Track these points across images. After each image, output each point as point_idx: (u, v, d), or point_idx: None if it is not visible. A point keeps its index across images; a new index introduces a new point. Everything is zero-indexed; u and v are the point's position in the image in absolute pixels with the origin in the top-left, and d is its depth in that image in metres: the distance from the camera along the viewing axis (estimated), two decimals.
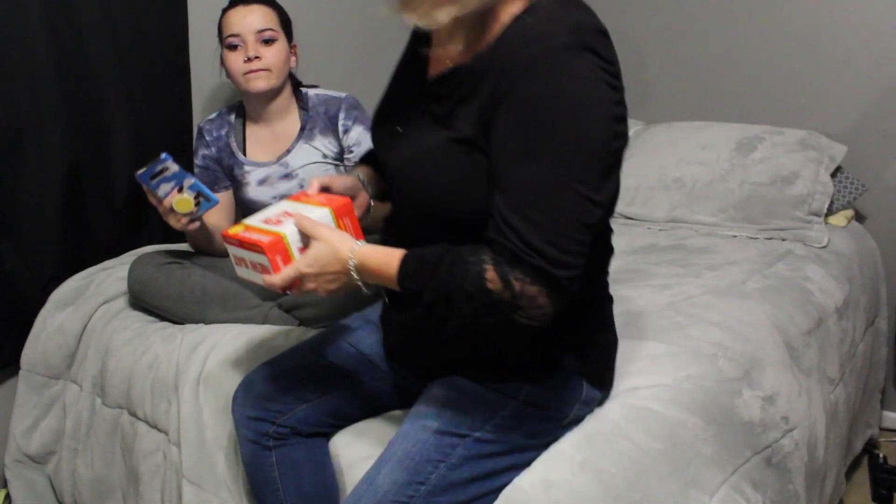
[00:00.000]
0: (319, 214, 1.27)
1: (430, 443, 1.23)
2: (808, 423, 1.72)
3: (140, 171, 1.72)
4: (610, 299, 1.40)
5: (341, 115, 2.08)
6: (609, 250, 1.36)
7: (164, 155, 1.72)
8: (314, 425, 1.46)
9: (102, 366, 1.89)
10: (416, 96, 1.28)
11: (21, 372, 2.02)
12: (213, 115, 2.17)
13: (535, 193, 1.09)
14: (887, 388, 2.76)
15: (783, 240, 2.45)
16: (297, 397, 1.44)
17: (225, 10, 2.06)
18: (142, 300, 1.91)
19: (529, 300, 1.10)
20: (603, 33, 1.15)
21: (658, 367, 1.54)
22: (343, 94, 2.12)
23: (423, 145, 1.22)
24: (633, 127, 2.96)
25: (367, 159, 1.52)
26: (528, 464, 1.28)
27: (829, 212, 2.58)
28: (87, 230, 2.15)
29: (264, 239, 1.22)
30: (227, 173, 2.14)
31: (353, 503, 1.24)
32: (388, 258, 1.19)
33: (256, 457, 1.45)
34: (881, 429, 2.72)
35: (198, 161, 2.15)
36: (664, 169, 2.69)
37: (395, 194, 1.34)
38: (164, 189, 1.74)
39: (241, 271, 1.31)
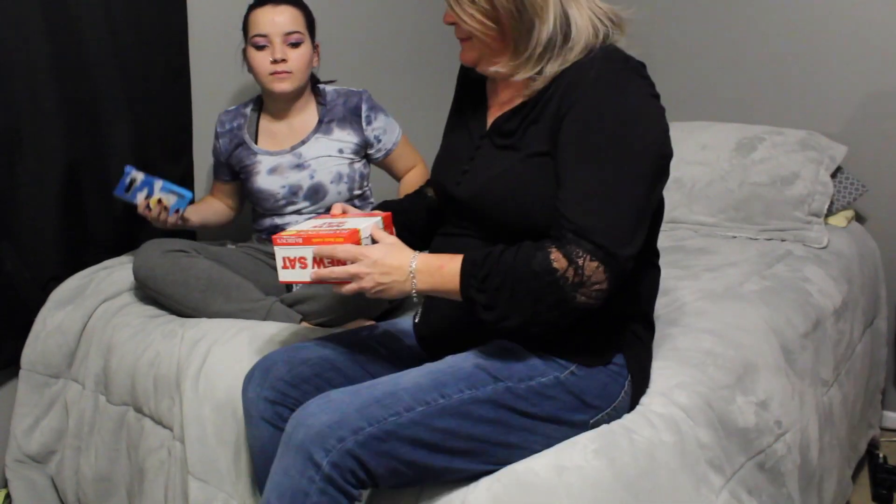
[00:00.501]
0: (374, 221, 1.39)
1: (465, 370, 1.29)
2: (801, 425, 1.72)
3: (115, 190, 1.94)
4: (650, 323, 1.48)
5: (363, 107, 2.11)
6: (655, 262, 1.46)
7: (127, 168, 1.95)
8: None
9: (105, 363, 1.89)
10: (480, 139, 1.43)
11: (21, 371, 2.03)
12: (231, 108, 2.21)
13: (594, 189, 1.24)
14: (887, 388, 2.76)
15: (783, 240, 2.45)
16: (317, 388, 1.43)
17: (252, 7, 2.06)
18: (146, 285, 1.91)
19: (590, 275, 1.21)
20: (643, 65, 1.34)
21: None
22: (361, 90, 2.15)
23: (495, 169, 1.36)
24: None
25: (385, 206, 1.61)
26: (535, 450, 1.29)
27: (830, 212, 2.58)
28: (86, 230, 2.15)
29: (344, 231, 1.33)
30: (235, 165, 2.16)
31: (369, 385, 1.26)
32: (449, 258, 1.30)
33: (277, 440, 1.38)
34: (882, 429, 2.72)
35: (212, 152, 2.22)
36: None
37: (465, 222, 1.44)
38: (140, 198, 1.95)
39: (288, 274, 1.36)
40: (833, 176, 2.58)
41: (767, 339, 1.77)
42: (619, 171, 1.24)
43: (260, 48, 2.02)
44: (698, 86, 2.98)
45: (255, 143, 2.14)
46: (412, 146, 2.27)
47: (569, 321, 1.26)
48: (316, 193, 2.08)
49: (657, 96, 1.32)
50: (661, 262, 2.22)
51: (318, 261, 1.33)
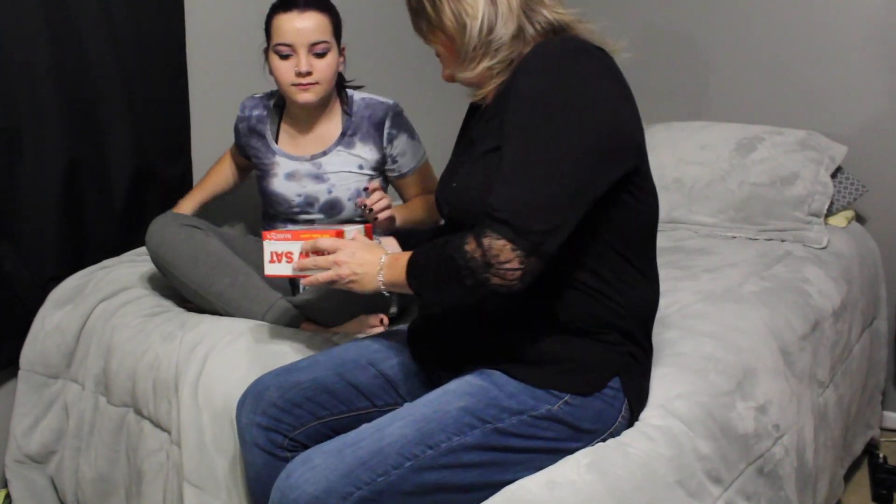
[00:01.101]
0: (356, 227, 1.51)
1: (451, 415, 1.24)
2: (797, 427, 1.71)
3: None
4: (649, 341, 1.43)
5: (387, 123, 2.01)
6: (647, 275, 1.39)
7: None
8: (322, 441, 1.43)
9: (105, 364, 1.89)
10: (462, 155, 1.45)
11: (20, 372, 2.03)
12: (256, 94, 2.12)
13: (512, 167, 1.22)
14: (887, 388, 2.76)
15: (783, 241, 2.44)
16: (310, 412, 1.43)
17: (275, 10, 1.93)
18: (158, 255, 1.88)
19: (497, 254, 1.19)
20: (601, 49, 1.29)
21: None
22: (391, 101, 2.04)
23: (459, 180, 1.38)
24: None
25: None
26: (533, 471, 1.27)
27: (830, 212, 2.57)
28: (85, 230, 2.15)
29: (330, 230, 1.46)
30: (250, 154, 2.10)
31: (353, 442, 1.23)
32: (408, 253, 1.34)
33: (272, 467, 1.42)
34: (882, 429, 2.71)
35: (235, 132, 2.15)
36: (664, 169, 2.68)
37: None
38: None
39: (273, 268, 1.50)
40: (833, 176, 2.58)
41: (767, 342, 1.76)
42: (543, 148, 1.20)
43: (284, 57, 1.91)
44: (698, 86, 2.98)
45: (276, 141, 2.06)
46: (433, 175, 2.13)
47: (491, 305, 1.27)
48: (332, 208, 2.02)
49: (616, 80, 1.27)
50: (660, 262, 2.23)
51: (304, 255, 1.45)
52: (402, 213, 1.99)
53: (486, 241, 1.19)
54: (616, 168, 1.26)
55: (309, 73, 1.89)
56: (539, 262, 1.20)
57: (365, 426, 1.27)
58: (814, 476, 1.82)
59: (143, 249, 2.19)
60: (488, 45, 1.31)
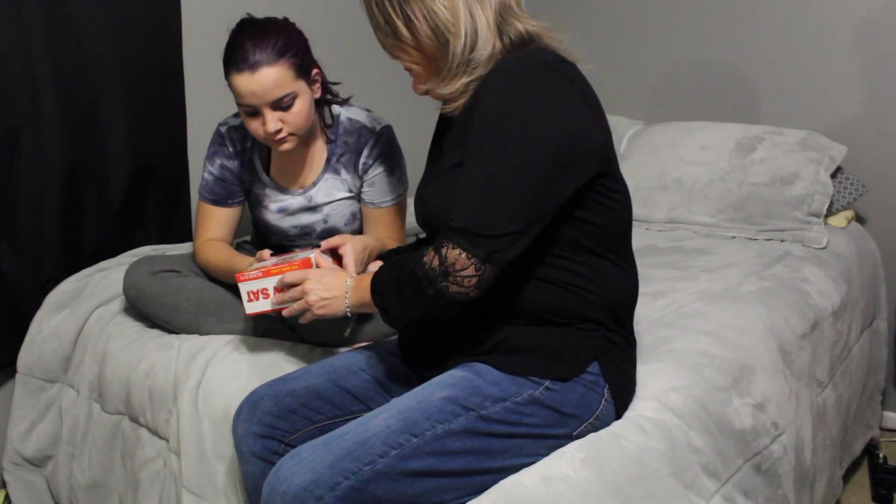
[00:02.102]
0: (315, 251, 1.57)
1: (434, 405, 1.26)
2: (795, 426, 1.71)
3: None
4: (628, 317, 1.44)
5: (365, 152, 1.88)
6: (619, 264, 1.39)
7: None
8: None
9: (100, 372, 1.88)
10: (433, 169, 1.47)
11: (17, 375, 2.03)
12: (236, 122, 1.93)
13: (470, 181, 1.25)
14: (887, 388, 2.76)
15: (782, 241, 2.44)
16: (305, 417, 1.44)
17: (227, 67, 1.73)
18: (137, 307, 1.88)
19: (453, 263, 1.23)
20: (563, 61, 1.30)
21: (640, 386, 1.50)
22: (378, 126, 1.90)
23: (429, 193, 1.40)
24: (633, 127, 2.96)
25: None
26: (518, 468, 1.28)
27: (829, 213, 2.57)
28: (84, 231, 2.15)
29: (296, 261, 1.52)
30: (244, 188, 1.97)
31: (339, 435, 1.24)
32: (371, 274, 1.39)
33: (268, 474, 1.42)
34: (882, 429, 2.71)
35: (213, 169, 1.93)
36: (663, 169, 2.68)
37: None
38: None
39: (253, 307, 1.57)
40: (833, 176, 2.57)
41: (765, 341, 1.76)
42: (500, 161, 1.23)
43: (251, 115, 1.76)
44: (698, 86, 2.98)
45: (267, 171, 1.95)
46: (401, 225, 1.95)
47: (453, 312, 1.28)
48: (330, 235, 1.95)
49: (578, 90, 1.28)
50: (659, 262, 2.25)
51: (279, 289, 1.53)
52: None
53: (443, 251, 1.23)
54: (576, 176, 1.28)
55: (279, 130, 1.76)
56: (494, 270, 1.24)
57: (352, 422, 1.28)
58: (811, 475, 1.82)
59: (140, 250, 2.20)
60: (468, 63, 1.32)
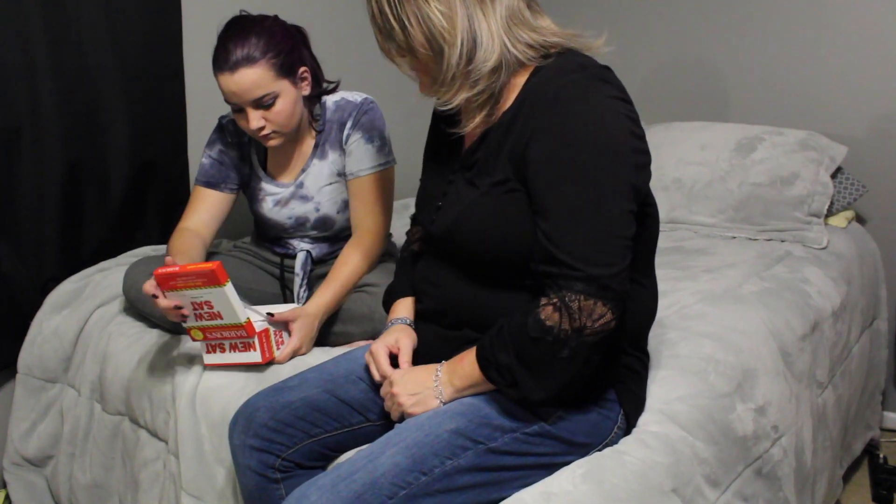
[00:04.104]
0: (261, 325, 1.64)
1: (443, 438, 1.23)
2: (795, 428, 1.71)
3: None
4: (644, 352, 1.42)
5: (349, 123, 1.90)
6: (642, 282, 1.37)
7: None
8: (317, 459, 1.44)
9: (101, 372, 1.88)
10: (452, 174, 1.40)
11: (18, 375, 2.03)
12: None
13: (575, 210, 1.18)
14: (887, 389, 2.76)
15: (782, 241, 2.44)
16: (303, 431, 1.41)
17: (214, 65, 1.78)
18: (137, 307, 1.88)
19: (590, 314, 1.17)
20: (607, 69, 1.27)
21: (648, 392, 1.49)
22: (359, 99, 1.92)
23: (462, 204, 1.33)
24: None
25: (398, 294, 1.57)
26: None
27: (830, 213, 2.57)
28: (84, 231, 2.15)
29: (257, 327, 1.61)
30: (242, 180, 2.00)
31: (347, 475, 1.21)
32: (461, 356, 1.30)
33: (264, 489, 1.41)
34: (882, 429, 2.71)
35: (212, 153, 1.97)
36: (664, 169, 2.68)
37: (445, 257, 1.41)
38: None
39: (214, 358, 1.65)
40: (833, 176, 2.57)
41: (766, 343, 1.76)
42: (600, 185, 1.18)
43: (236, 111, 1.81)
44: (698, 86, 2.98)
45: (264, 166, 1.98)
46: (383, 203, 1.91)
47: (595, 359, 1.22)
48: (324, 224, 1.98)
49: (622, 97, 1.25)
50: (660, 262, 2.24)
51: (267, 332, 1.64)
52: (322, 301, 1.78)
53: (574, 304, 1.16)
54: (645, 191, 1.27)
55: (262, 127, 1.80)
56: (624, 300, 1.20)
57: (358, 455, 1.24)
58: (812, 476, 1.82)
59: (140, 251, 2.20)
60: (467, 75, 1.26)
